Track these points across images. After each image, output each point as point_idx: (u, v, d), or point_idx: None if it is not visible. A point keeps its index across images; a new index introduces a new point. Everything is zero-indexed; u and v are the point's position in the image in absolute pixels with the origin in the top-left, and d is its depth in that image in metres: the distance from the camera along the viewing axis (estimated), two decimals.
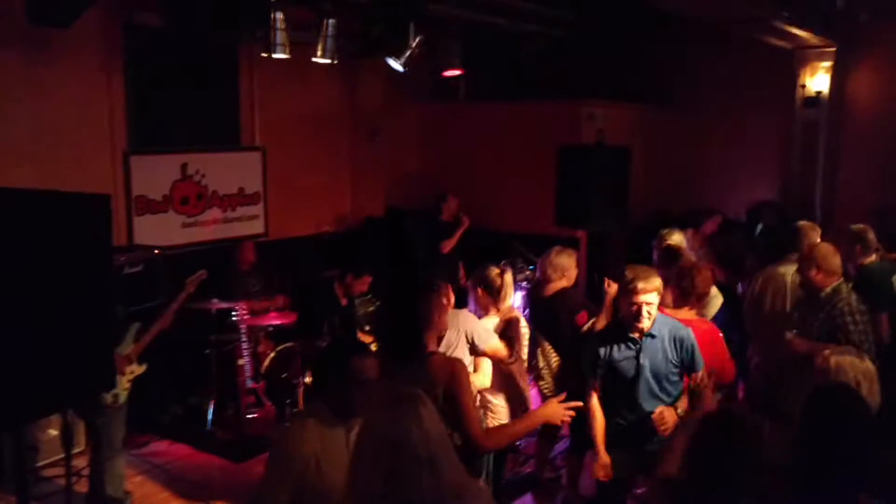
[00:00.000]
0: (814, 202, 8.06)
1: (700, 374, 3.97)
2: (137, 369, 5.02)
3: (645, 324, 3.92)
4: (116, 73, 6.55)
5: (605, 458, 4.03)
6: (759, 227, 7.58)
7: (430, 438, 2.10)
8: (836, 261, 4.67)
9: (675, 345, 3.98)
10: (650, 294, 3.87)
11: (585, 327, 4.84)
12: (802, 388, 4.00)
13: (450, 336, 4.02)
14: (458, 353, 4.02)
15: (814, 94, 8.01)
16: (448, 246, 7.82)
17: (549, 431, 5.28)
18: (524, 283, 6.98)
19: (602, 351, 4.05)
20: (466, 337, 4.14)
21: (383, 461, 2.06)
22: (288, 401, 6.21)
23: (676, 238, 5.66)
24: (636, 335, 3.97)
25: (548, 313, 5.10)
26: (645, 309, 3.88)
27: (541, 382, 5.27)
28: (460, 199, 8.05)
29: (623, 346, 4.01)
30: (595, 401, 4.10)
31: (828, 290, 4.66)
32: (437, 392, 3.07)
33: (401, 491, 2.03)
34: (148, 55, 6.63)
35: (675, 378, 4.02)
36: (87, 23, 5.85)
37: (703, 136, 8.76)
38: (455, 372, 3.21)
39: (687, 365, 4.01)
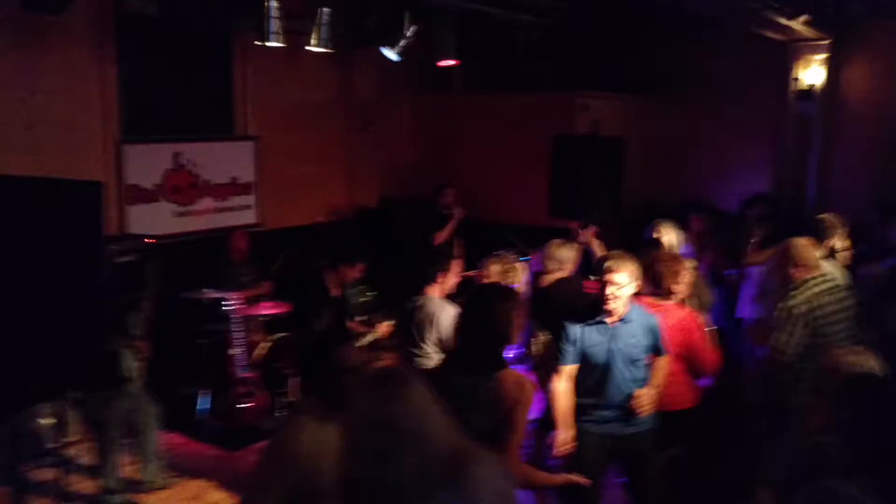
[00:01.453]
0: (806, 194, 8.09)
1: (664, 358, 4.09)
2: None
3: (610, 305, 3.93)
4: (109, 61, 6.51)
5: (567, 432, 3.98)
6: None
7: (414, 413, 2.07)
8: (813, 254, 4.55)
9: (645, 331, 4.03)
10: (616, 274, 3.89)
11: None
12: (801, 383, 4.02)
13: None
14: None
15: (807, 87, 8.02)
16: (440, 238, 7.80)
17: (547, 419, 5.28)
18: None
19: (576, 333, 4.04)
20: None
21: (370, 443, 2.04)
22: (281, 390, 6.22)
23: (668, 230, 5.66)
24: (608, 321, 3.98)
25: (543, 303, 5.11)
26: (609, 288, 3.90)
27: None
28: (456, 190, 8.03)
29: (595, 332, 4.01)
30: (563, 385, 4.05)
31: (791, 286, 4.51)
32: (502, 409, 3.02)
33: (387, 472, 2.02)
34: (141, 43, 6.59)
35: (644, 363, 4.06)
36: (80, 10, 5.83)
37: (697, 127, 8.76)
38: (523, 395, 3.10)
39: (653, 349, 4.09)
